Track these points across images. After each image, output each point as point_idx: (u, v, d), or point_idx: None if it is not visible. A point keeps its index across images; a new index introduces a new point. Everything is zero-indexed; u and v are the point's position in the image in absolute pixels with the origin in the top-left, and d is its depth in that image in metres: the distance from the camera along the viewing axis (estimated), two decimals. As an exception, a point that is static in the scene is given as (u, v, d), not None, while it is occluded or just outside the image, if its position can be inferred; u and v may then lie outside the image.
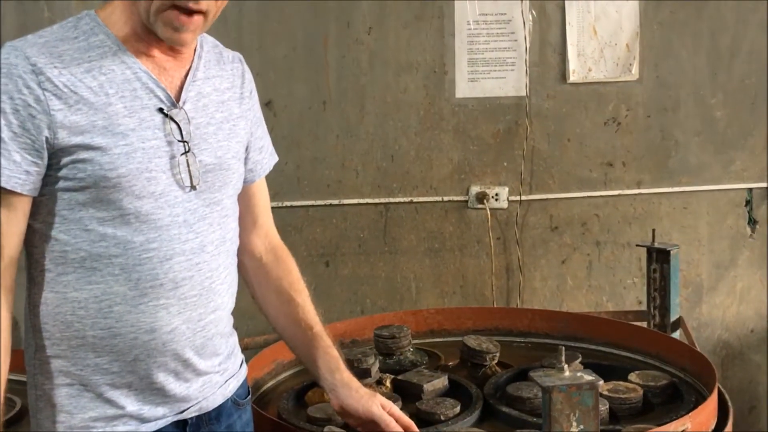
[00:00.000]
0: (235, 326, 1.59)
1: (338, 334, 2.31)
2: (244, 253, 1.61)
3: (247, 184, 1.57)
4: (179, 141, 1.37)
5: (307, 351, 1.63)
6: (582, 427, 1.24)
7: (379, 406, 1.59)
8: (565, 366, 1.27)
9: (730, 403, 1.86)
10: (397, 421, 1.59)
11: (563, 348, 1.31)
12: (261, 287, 1.65)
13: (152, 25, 1.34)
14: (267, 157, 1.62)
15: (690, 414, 1.69)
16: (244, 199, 1.58)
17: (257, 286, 1.66)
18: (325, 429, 1.72)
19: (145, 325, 1.36)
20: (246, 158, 1.55)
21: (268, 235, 1.65)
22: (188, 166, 1.38)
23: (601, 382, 1.28)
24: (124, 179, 1.32)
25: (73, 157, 1.31)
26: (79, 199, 1.33)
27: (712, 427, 1.78)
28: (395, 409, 1.61)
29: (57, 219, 1.34)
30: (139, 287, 1.35)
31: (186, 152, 1.38)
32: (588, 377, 1.25)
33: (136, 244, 1.34)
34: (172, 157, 1.36)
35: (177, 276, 1.37)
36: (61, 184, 1.32)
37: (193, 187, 1.39)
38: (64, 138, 1.30)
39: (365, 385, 1.94)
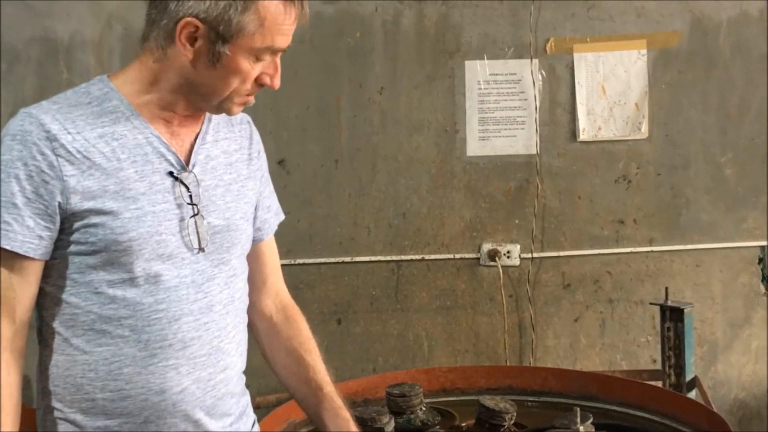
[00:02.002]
0: (247, 385, 1.59)
1: (350, 393, 2.30)
2: (254, 312, 1.61)
3: (255, 243, 1.58)
4: (188, 204, 1.39)
5: (317, 411, 1.61)
6: (598, 489, 1.22)
7: None
8: (580, 428, 1.26)
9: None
10: None
11: (578, 409, 1.30)
12: (271, 347, 1.64)
13: (219, 109, 1.41)
14: (273, 217, 1.64)
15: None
16: (254, 259, 1.59)
17: (267, 345, 1.65)
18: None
19: (155, 386, 1.36)
20: (254, 217, 1.57)
21: (278, 294, 1.65)
22: (197, 228, 1.40)
23: (616, 443, 1.27)
24: (135, 243, 1.33)
25: (85, 221, 1.33)
26: (90, 262, 1.34)
27: (731, 489, 1.75)
28: None
29: (68, 282, 1.35)
30: (149, 348, 1.36)
31: (195, 215, 1.40)
32: (603, 438, 1.23)
33: (145, 306, 1.35)
34: (182, 220, 1.38)
35: (186, 336, 1.38)
36: (73, 248, 1.34)
37: (201, 249, 1.40)
38: (77, 203, 1.32)
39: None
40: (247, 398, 1.56)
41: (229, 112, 1.42)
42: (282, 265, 2.93)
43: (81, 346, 1.35)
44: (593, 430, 1.45)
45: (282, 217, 1.67)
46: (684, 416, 2.08)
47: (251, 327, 1.61)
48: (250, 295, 1.58)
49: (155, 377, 1.36)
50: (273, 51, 1.38)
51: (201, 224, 1.40)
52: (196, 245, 1.40)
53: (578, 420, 1.28)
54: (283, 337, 1.61)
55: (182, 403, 1.38)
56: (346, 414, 1.60)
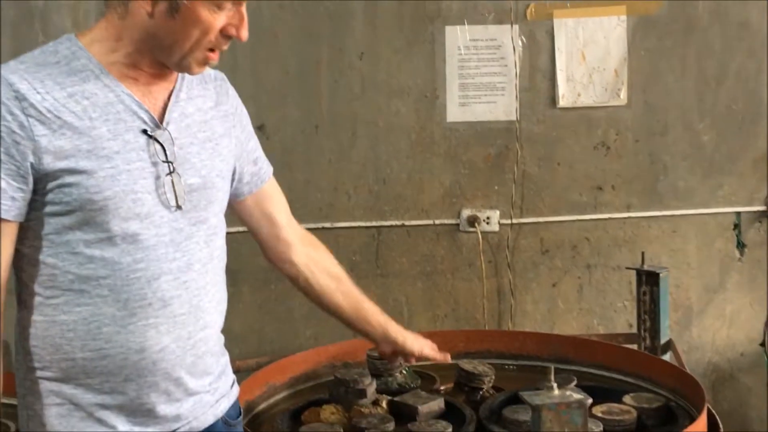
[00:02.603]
0: (227, 347, 1.60)
1: (330, 357, 2.32)
2: (287, 255, 1.70)
3: (250, 194, 1.62)
4: (163, 162, 1.39)
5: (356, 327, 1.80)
6: (571, 445, 1.25)
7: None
8: (555, 385, 1.28)
9: (720, 423, 1.87)
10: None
11: (553, 367, 1.32)
12: (315, 275, 1.74)
13: (180, 66, 1.39)
14: (264, 167, 1.66)
15: (680, 435, 1.70)
16: (260, 207, 1.65)
17: (311, 276, 1.74)
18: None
19: (135, 345, 1.37)
20: (242, 173, 1.59)
21: (296, 227, 1.72)
22: (173, 186, 1.40)
23: (590, 400, 1.30)
24: (111, 201, 1.33)
25: (59, 181, 1.32)
26: (66, 222, 1.34)
27: (702, 447, 1.79)
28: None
29: (44, 243, 1.35)
30: (128, 307, 1.36)
31: (171, 173, 1.40)
32: (577, 396, 1.26)
33: (123, 265, 1.36)
34: (157, 178, 1.38)
35: (165, 295, 1.39)
36: (48, 208, 1.34)
37: (178, 207, 1.41)
38: (50, 163, 1.31)
39: (360, 407, 1.95)
40: (226, 358, 1.58)
41: (190, 70, 1.40)
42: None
43: (60, 307, 1.36)
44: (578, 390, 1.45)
45: (272, 167, 1.70)
46: (658, 378, 2.12)
47: (291, 271, 1.71)
48: (273, 244, 1.67)
49: (135, 336, 1.37)
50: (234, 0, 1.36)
51: (177, 182, 1.40)
52: (173, 203, 1.40)
53: (552, 377, 1.31)
54: (321, 261, 1.73)
55: (162, 361, 1.39)
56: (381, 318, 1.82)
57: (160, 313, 1.38)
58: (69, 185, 1.32)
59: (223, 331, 1.58)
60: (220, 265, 1.52)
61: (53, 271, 1.35)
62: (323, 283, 1.74)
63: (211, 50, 1.39)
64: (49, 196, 1.33)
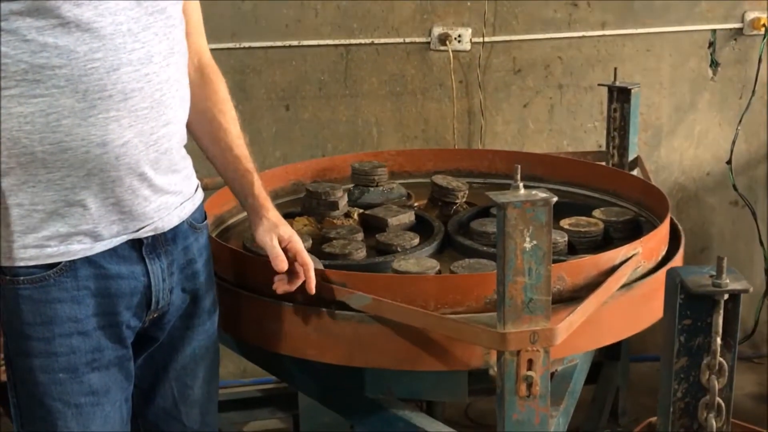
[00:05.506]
0: (195, 169, 1.57)
1: (299, 175, 2.32)
2: None
3: None
4: None
5: (226, 173, 1.64)
6: (535, 242, 1.26)
7: (275, 237, 1.58)
8: (521, 185, 1.28)
9: (681, 230, 1.91)
10: (294, 256, 1.58)
11: (519, 167, 1.31)
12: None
13: None
14: None
15: (641, 240, 1.73)
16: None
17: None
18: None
19: (96, 138, 1.34)
20: None
21: (198, 54, 1.61)
22: None
23: (555, 198, 1.30)
24: None
25: None
26: (15, 8, 1.28)
27: (663, 253, 1.83)
28: (297, 244, 1.59)
29: None
30: (87, 99, 1.32)
31: None
32: (542, 194, 1.26)
33: (79, 54, 1.31)
34: None
35: (126, 87, 1.34)
36: None
37: None
38: None
39: (332, 219, 1.96)
40: (190, 161, 1.55)
41: None
42: (227, 49, 2.82)
43: (14, 98, 1.31)
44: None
45: None
46: (625, 191, 2.15)
47: None
48: None
49: (96, 129, 1.33)
50: None
51: None
52: None
53: (518, 177, 1.31)
54: (197, 98, 1.57)
55: (125, 156, 1.36)
56: (252, 177, 1.62)
57: (121, 106, 1.34)
58: None
59: (191, 152, 1.55)
60: (182, 60, 1.47)
61: (5, 60, 1.30)
62: (193, 119, 1.58)
63: None
64: None
